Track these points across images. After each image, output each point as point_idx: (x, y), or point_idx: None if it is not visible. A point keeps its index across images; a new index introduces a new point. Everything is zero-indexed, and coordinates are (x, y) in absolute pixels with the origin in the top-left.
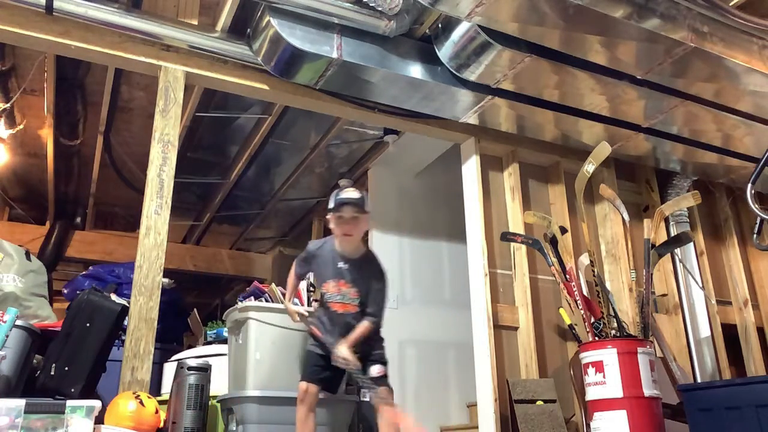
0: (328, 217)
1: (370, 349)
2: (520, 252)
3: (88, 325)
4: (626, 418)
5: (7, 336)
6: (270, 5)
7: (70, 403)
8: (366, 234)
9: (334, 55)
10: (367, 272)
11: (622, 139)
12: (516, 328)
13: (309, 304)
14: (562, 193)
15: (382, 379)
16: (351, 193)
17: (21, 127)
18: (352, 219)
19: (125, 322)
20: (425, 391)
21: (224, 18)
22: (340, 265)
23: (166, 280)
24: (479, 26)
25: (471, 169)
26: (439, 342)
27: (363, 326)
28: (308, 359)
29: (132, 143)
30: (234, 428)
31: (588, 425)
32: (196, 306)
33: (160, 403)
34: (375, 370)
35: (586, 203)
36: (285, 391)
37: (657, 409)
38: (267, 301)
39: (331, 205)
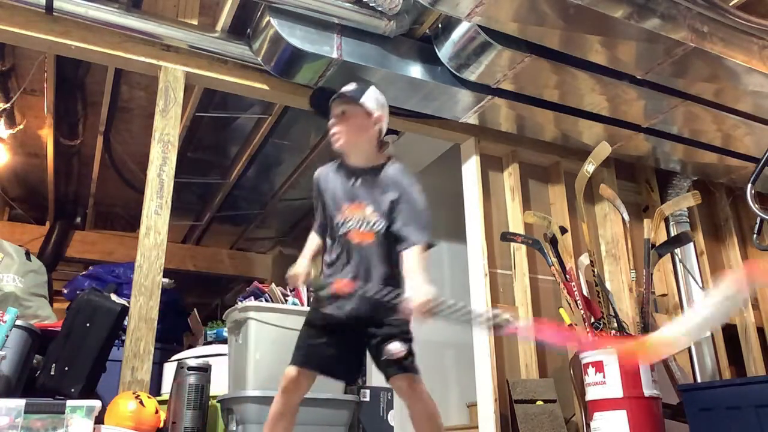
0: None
1: (380, 309)
2: (520, 252)
3: (88, 325)
4: (626, 418)
5: (7, 336)
6: (270, 5)
7: (70, 403)
8: (381, 139)
9: (334, 55)
10: (385, 185)
11: (622, 139)
12: None
13: (309, 305)
14: (562, 193)
15: (401, 364)
16: (344, 87)
17: (21, 127)
18: (340, 115)
19: (125, 322)
20: None
21: (224, 18)
22: (352, 182)
23: (166, 280)
24: (479, 26)
25: (471, 169)
26: (439, 342)
27: (413, 253)
28: (308, 332)
29: (132, 143)
30: (234, 428)
31: (588, 425)
32: (196, 306)
33: (160, 403)
34: (392, 348)
35: (586, 203)
36: None
37: (657, 409)
38: (267, 301)
39: None
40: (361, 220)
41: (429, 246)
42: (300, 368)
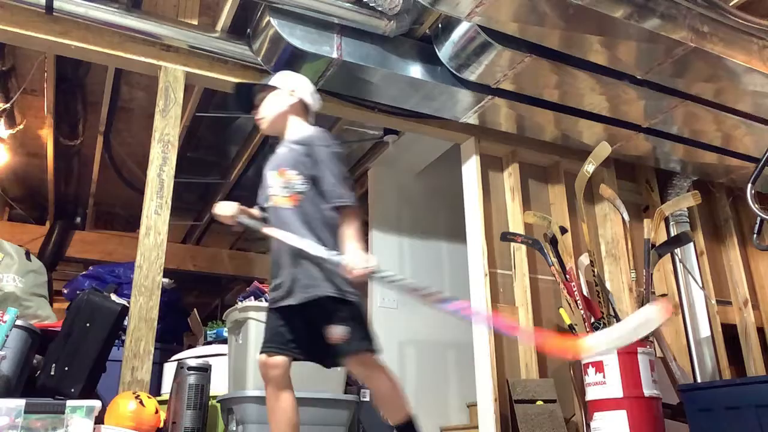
0: None
1: (310, 283)
2: (520, 252)
3: (88, 325)
4: (626, 418)
5: (7, 336)
6: (270, 5)
7: (70, 403)
8: (306, 111)
9: (334, 55)
10: (302, 146)
11: (622, 139)
12: None
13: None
14: (562, 193)
15: (347, 347)
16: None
17: (21, 127)
18: (259, 103)
19: (125, 322)
20: (425, 391)
21: (224, 18)
22: (278, 152)
23: (166, 280)
24: (479, 26)
25: (471, 169)
26: (439, 342)
27: (345, 216)
28: (267, 321)
29: (132, 143)
30: (234, 428)
31: (588, 425)
32: (196, 306)
33: (160, 403)
34: (333, 332)
35: (586, 203)
36: None
37: (657, 409)
38: (267, 301)
39: None
40: (283, 184)
41: (347, 206)
42: (266, 354)
